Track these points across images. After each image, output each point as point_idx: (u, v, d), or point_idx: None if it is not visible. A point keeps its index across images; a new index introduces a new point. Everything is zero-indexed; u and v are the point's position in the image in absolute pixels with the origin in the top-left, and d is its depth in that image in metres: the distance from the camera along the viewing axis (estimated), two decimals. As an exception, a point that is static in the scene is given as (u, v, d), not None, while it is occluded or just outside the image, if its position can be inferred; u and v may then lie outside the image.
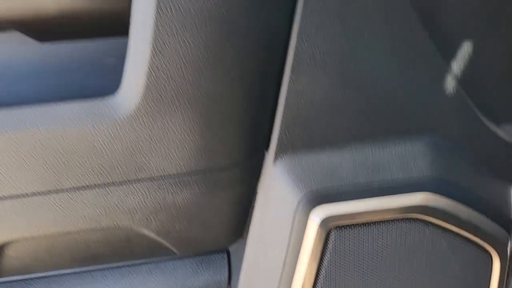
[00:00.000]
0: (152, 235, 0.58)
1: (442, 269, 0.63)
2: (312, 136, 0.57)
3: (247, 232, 0.65)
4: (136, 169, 0.51)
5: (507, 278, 0.72)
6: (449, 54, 0.57)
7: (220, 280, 0.69)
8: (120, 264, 0.68)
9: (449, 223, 0.60)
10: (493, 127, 0.64)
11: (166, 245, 0.62)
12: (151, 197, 0.53)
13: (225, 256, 0.70)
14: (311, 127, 0.56)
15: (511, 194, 0.68)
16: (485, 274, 0.65)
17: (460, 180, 0.62)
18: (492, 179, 0.65)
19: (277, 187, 0.59)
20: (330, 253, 0.58)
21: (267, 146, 0.59)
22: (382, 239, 0.59)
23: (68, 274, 0.67)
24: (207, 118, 0.50)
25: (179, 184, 0.53)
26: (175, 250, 0.62)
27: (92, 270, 0.68)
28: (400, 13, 0.52)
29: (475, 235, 0.62)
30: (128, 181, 0.51)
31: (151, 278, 0.67)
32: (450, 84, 0.61)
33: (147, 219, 0.55)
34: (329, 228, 0.57)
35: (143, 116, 0.48)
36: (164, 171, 0.51)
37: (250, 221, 0.64)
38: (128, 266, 0.68)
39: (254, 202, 0.62)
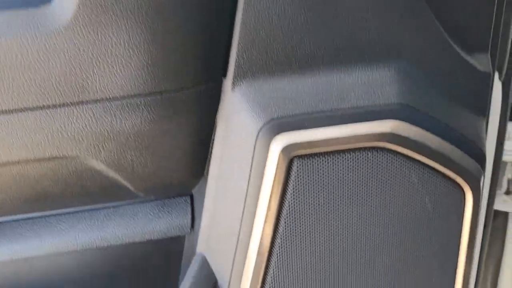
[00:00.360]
0: (102, 167, 0.54)
1: (412, 204, 0.60)
2: (273, 60, 0.54)
3: (208, 169, 0.62)
4: (78, 90, 0.47)
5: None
6: None
7: (182, 224, 0.65)
8: (77, 209, 0.65)
9: (418, 153, 0.57)
10: (465, 55, 0.61)
11: (121, 183, 0.58)
12: (96, 122, 0.49)
13: (188, 199, 0.66)
14: (271, 50, 0.53)
15: (484, 127, 0.66)
16: (457, 210, 0.62)
17: (431, 109, 0.59)
18: (464, 111, 0.62)
19: (236, 116, 0.55)
20: (293, 184, 0.55)
21: (224, 73, 0.55)
22: (348, 170, 0.56)
23: (21, 219, 0.64)
24: (154, 32, 0.46)
25: (127, 108, 0.49)
26: (131, 188, 0.58)
27: (47, 216, 0.64)
28: None
29: (446, 167, 0.59)
30: (70, 103, 0.47)
31: (110, 223, 0.64)
32: (421, 10, 0.58)
33: (94, 148, 0.51)
34: (291, 157, 0.54)
35: (82, 27, 0.44)
36: (110, 92, 0.48)
37: (211, 158, 0.61)
38: (85, 211, 0.65)
39: (214, 136, 0.59)
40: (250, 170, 0.55)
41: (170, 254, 0.66)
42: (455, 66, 0.60)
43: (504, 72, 0.73)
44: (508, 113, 0.79)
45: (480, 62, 0.62)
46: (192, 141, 0.57)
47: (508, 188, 0.99)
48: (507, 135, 0.88)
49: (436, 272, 0.64)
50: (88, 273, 0.64)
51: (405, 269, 0.62)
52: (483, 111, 0.64)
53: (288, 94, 0.55)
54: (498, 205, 0.96)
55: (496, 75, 0.74)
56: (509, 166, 0.95)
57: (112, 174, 0.56)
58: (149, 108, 0.51)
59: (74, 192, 0.58)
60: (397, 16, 0.56)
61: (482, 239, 0.88)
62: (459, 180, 0.61)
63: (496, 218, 1.01)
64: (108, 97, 0.48)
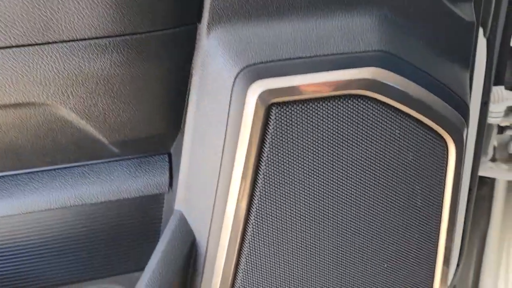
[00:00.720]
0: (73, 116, 0.52)
1: (394, 156, 0.59)
2: (249, 3, 0.52)
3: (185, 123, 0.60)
4: (42, 29, 0.45)
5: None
6: None
7: (160, 183, 0.64)
8: (50, 167, 0.63)
9: (399, 101, 0.56)
10: (449, 3, 0.60)
11: (94, 136, 0.56)
12: (63, 65, 0.47)
13: (166, 157, 0.65)
14: None
15: (467, 80, 0.65)
16: (440, 162, 0.61)
17: (413, 58, 0.58)
18: (447, 61, 0.61)
19: (212, 63, 0.53)
20: (272, 132, 0.53)
21: (199, 17, 0.53)
22: (327, 118, 0.54)
23: (-10, 178, 0.62)
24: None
25: (95, 49, 0.47)
26: (104, 140, 0.56)
27: (18, 174, 0.62)
28: None
29: (428, 117, 0.58)
30: (34, 43, 0.45)
31: (84, 181, 0.62)
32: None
33: (63, 93, 0.49)
34: (269, 104, 0.52)
35: (44, -42, 0.42)
36: (76, 32, 0.45)
37: (187, 110, 0.59)
38: (59, 169, 0.63)
39: (189, 85, 0.57)
40: (227, 119, 0.54)
41: (149, 213, 0.65)
42: (438, 14, 0.58)
43: (488, 28, 0.72)
44: (494, 73, 0.78)
45: (464, 11, 0.61)
46: (166, 89, 0.55)
47: (494, 155, 0.98)
48: (493, 98, 0.87)
49: (419, 225, 0.63)
50: (66, 232, 0.62)
51: (387, 221, 0.61)
52: (467, 63, 0.63)
53: (265, 40, 0.53)
54: (484, 172, 0.96)
55: (481, 31, 0.73)
56: (494, 133, 0.94)
57: (83, 124, 0.54)
58: (118, 50, 0.48)
59: (45, 146, 0.56)
60: None
61: (467, 206, 0.87)
62: (442, 131, 0.59)
63: (483, 187, 1.01)
64: (74, 37, 0.46)
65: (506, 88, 0.89)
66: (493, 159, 0.98)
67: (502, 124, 0.92)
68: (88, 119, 0.53)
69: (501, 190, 0.98)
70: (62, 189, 0.61)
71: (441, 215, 0.65)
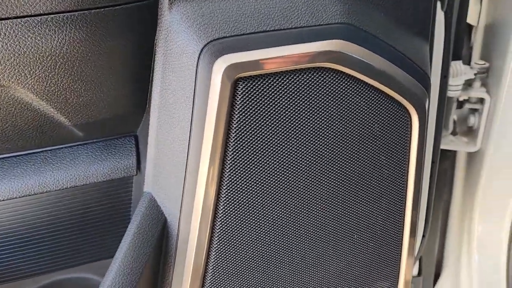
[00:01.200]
0: (32, 97, 0.50)
1: (360, 127, 0.60)
2: None
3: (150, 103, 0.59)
4: (-6, 4, 0.43)
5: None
6: None
7: (127, 166, 0.62)
8: (10, 154, 0.60)
9: (363, 73, 0.56)
10: None
11: (56, 118, 0.54)
12: (18, 42, 0.45)
13: (133, 139, 0.63)
14: None
15: (427, 52, 0.66)
16: (404, 132, 0.62)
17: (375, 30, 0.58)
18: (408, 34, 0.62)
19: (175, 38, 0.53)
20: (239, 108, 0.53)
21: (160, -9, 0.52)
22: (293, 91, 0.55)
23: None
24: None
25: (52, 25, 0.45)
26: (67, 122, 0.54)
27: (-23, 162, 0.59)
28: None
29: (391, 88, 0.59)
30: (-13, 19, 0.43)
31: (47, 167, 0.60)
32: None
33: (20, 73, 0.47)
34: (235, 78, 0.52)
35: None
36: (31, 7, 0.43)
37: (152, 89, 0.58)
38: (20, 155, 0.60)
39: (153, 62, 0.56)
40: (194, 96, 0.53)
41: (117, 197, 0.63)
42: None
43: (446, 1, 0.74)
44: (452, 46, 0.81)
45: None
46: (130, 66, 0.54)
47: (454, 129, 1.01)
48: (451, 72, 0.90)
49: (386, 197, 0.64)
50: (30, 221, 0.60)
51: (355, 193, 0.62)
52: (426, 35, 0.64)
53: (229, 14, 0.53)
54: (446, 146, 0.99)
55: (439, 4, 0.74)
56: (454, 107, 0.97)
57: (44, 106, 0.52)
58: (77, 26, 0.47)
59: (4, 132, 0.54)
60: None
61: (430, 179, 0.90)
62: (405, 102, 0.61)
63: (444, 160, 1.04)
64: (29, 13, 0.44)
65: (463, 63, 0.92)
66: (454, 133, 1.01)
67: (461, 99, 0.95)
68: (48, 100, 0.51)
69: (462, 162, 1.02)
70: (24, 177, 0.59)
71: (406, 187, 0.67)
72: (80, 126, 0.57)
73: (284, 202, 0.59)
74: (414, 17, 0.62)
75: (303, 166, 0.58)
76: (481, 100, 0.94)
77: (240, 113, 0.53)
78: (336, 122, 0.58)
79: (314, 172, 0.59)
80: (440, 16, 0.76)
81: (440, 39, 0.78)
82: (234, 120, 0.54)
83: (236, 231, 0.59)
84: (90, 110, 0.54)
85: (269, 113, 0.55)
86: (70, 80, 0.50)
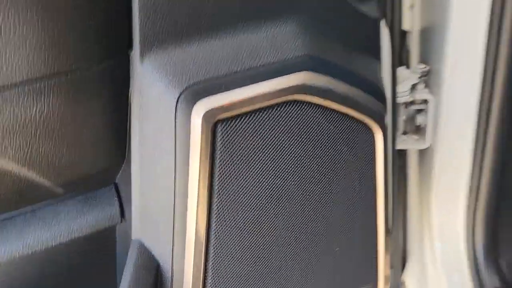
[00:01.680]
0: (13, 166, 0.49)
1: (332, 150, 0.64)
2: (178, 25, 0.53)
3: (130, 151, 0.59)
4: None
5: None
6: None
7: (111, 215, 0.62)
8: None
9: (329, 100, 0.60)
10: (356, 5, 0.65)
11: (38, 182, 0.54)
12: (-3, 115, 0.44)
13: (113, 188, 0.63)
14: (174, 14, 0.52)
15: (380, 69, 0.71)
16: (370, 147, 0.67)
17: (334, 58, 0.63)
18: (362, 56, 0.67)
19: (150, 89, 0.54)
20: (220, 149, 0.55)
21: (130, 46, 0.53)
22: (269, 126, 0.57)
23: None
24: (46, 9, 0.43)
25: (29, 95, 0.45)
26: (49, 185, 0.54)
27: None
28: None
29: (355, 109, 0.63)
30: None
31: (29, 229, 0.59)
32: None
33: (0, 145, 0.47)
34: (214, 122, 0.54)
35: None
36: (6, 78, 0.43)
37: (130, 138, 0.58)
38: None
39: (129, 115, 0.57)
40: (175, 144, 0.54)
41: (103, 246, 0.63)
42: (349, 15, 0.64)
43: (388, 17, 0.80)
44: (397, 56, 0.87)
45: (370, 9, 0.67)
46: (107, 122, 0.54)
47: (404, 129, 1.08)
48: (399, 79, 0.97)
49: (360, 205, 0.69)
50: (17, 282, 0.59)
51: (333, 207, 0.66)
52: (377, 54, 0.69)
53: (199, 60, 0.55)
54: (399, 145, 1.05)
55: (383, 21, 0.80)
56: (402, 108, 1.03)
57: (25, 171, 0.51)
58: (54, 92, 0.47)
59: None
60: None
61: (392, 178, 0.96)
62: (367, 120, 0.65)
63: (400, 158, 1.11)
64: (5, 85, 0.44)
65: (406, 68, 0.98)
66: (404, 132, 1.08)
67: (408, 101, 1.02)
68: (29, 166, 0.50)
69: (415, 159, 1.09)
70: (6, 242, 0.58)
71: (376, 193, 0.72)
72: (61, 185, 0.57)
73: (270, 231, 0.62)
74: (365, 39, 0.67)
75: (285, 193, 0.61)
76: (425, 101, 1.02)
77: (222, 153, 0.56)
78: (310, 148, 0.61)
79: (296, 197, 0.62)
80: (384, 29, 0.82)
81: (387, 50, 0.83)
82: (216, 161, 0.56)
83: (228, 264, 0.61)
84: (72, 169, 0.54)
85: (248, 150, 0.57)
86: (51, 144, 0.49)
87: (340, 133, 0.64)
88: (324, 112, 0.61)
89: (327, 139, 0.63)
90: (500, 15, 0.80)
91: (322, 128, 0.62)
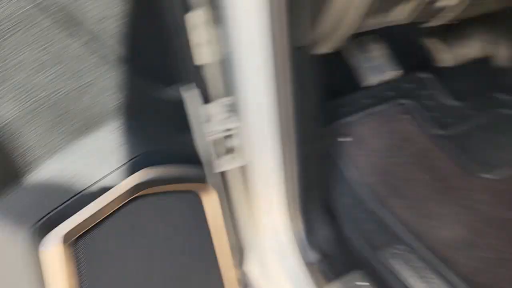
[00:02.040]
0: None
1: (177, 231, 0.72)
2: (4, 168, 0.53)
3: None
4: None
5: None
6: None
7: None
8: None
9: (168, 184, 0.68)
10: (163, 92, 0.73)
11: None
12: None
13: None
14: None
15: (193, 138, 0.82)
16: (201, 212, 0.77)
17: (160, 146, 0.70)
18: (180, 134, 0.76)
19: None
20: (84, 259, 0.59)
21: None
22: (121, 228, 0.63)
23: None
24: None
25: None
26: None
27: None
28: None
29: (188, 182, 0.72)
30: None
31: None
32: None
33: None
34: (72, 241, 0.57)
35: None
36: None
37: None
38: None
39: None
40: (41, 274, 0.55)
41: None
42: (161, 104, 0.71)
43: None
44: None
45: (174, 91, 0.75)
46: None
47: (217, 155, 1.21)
48: (207, 117, 1.06)
49: (205, 263, 0.78)
50: None
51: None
52: (187, 127, 0.79)
53: (36, 197, 0.56)
54: (220, 169, 1.18)
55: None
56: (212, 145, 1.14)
57: None
58: None
59: None
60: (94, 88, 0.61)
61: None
62: (195, 187, 0.75)
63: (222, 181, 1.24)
64: None
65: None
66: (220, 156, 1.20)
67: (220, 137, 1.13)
68: None
69: (238, 176, 1.23)
70: None
71: (214, 248, 0.82)
72: None
73: None
74: (178, 119, 0.76)
75: (147, 278, 0.67)
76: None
77: (87, 263, 0.58)
78: (160, 238, 0.68)
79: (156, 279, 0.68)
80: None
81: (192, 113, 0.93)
82: (83, 272, 0.58)
83: None
84: None
85: (111, 254, 0.61)
86: None
87: (180, 210, 0.72)
88: (166, 197, 0.69)
89: (173, 221, 0.71)
90: None
91: (167, 214, 0.69)
